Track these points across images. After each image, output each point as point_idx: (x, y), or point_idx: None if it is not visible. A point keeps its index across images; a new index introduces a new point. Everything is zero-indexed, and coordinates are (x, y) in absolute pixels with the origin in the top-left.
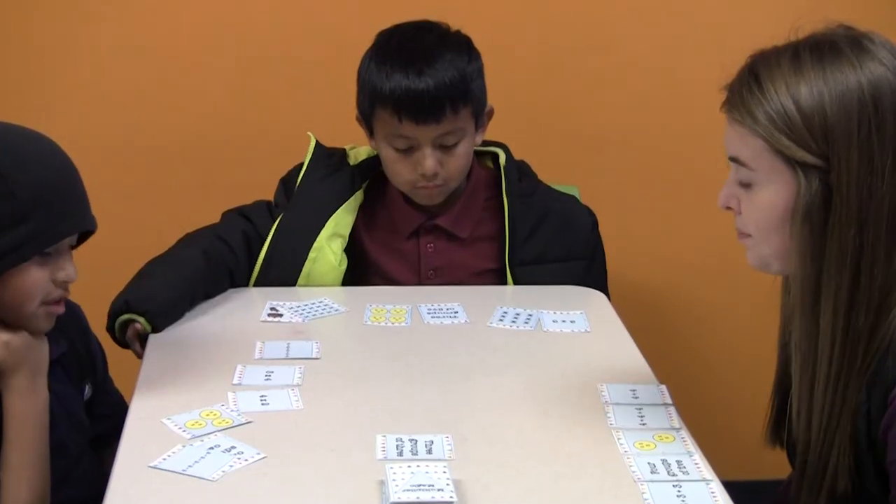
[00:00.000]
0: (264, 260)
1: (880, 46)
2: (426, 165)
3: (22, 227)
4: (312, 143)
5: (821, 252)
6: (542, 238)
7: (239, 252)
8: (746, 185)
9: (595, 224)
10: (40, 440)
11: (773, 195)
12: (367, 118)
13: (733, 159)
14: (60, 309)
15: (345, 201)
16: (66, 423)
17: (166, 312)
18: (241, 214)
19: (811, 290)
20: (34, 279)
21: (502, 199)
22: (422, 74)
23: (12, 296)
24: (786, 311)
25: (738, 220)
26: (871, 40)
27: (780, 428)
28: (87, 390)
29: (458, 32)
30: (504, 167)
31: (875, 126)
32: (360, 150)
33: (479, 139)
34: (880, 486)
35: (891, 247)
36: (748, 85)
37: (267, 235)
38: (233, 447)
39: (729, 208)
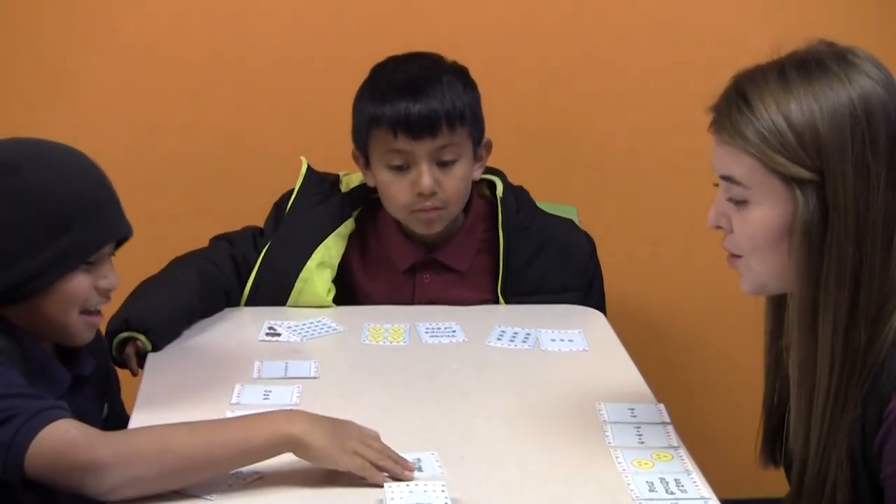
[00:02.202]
0: (252, 286)
1: (865, 60)
2: (423, 182)
3: (66, 238)
4: (304, 168)
5: (819, 269)
6: (538, 270)
7: (230, 275)
8: (739, 203)
9: (593, 251)
10: (209, 450)
11: (768, 213)
12: (362, 146)
13: (726, 178)
14: (100, 320)
15: (334, 230)
16: None
17: (166, 331)
18: (227, 241)
19: (810, 307)
20: (79, 287)
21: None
22: (417, 92)
23: (57, 305)
24: (773, 330)
25: (727, 240)
26: (855, 54)
27: (774, 448)
28: (105, 409)
29: (454, 63)
30: (501, 198)
31: (868, 140)
32: (353, 177)
33: (477, 174)
34: (875, 501)
35: (886, 259)
36: (736, 105)
37: (252, 263)
38: None
39: (719, 227)
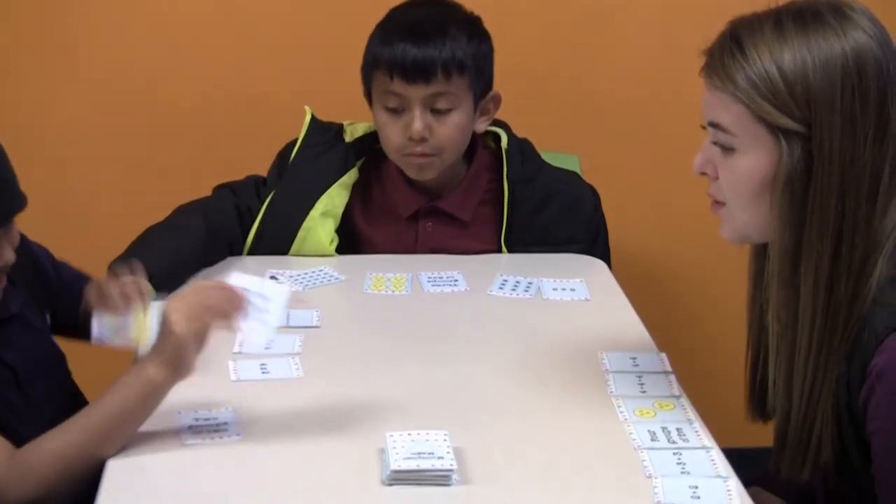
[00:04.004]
0: (255, 236)
1: (861, 14)
2: (413, 126)
3: None
4: (308, 118)
5: (801, 221)
6: (543, 223)
7: (234, 224)
8: (725, 150)
9: (597, 204)
10: (109, 414)
11: (753, 162)
12: (367, 84)
13: (713, 124)
14: (1, 283)
15: (338, 179)
16: (44, 378)
17: (171, 277)
18: (231, 190)
19: (791, 259)
20: None
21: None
22: (418, 37)
23: None
24: (755, 278)
25: (712, 187)
26: (851, 8)
27: (762, 402)
28: (48, 318)
29: (469, 13)
30: (506, 150)
31: (858, 94)
32: (357, 127)
33: (480, 126)
34: (862, 457)
35: (870, 214)
36: (730, 50)
37: (255, 213)
38: (232, 416)
39: (704, 174)
